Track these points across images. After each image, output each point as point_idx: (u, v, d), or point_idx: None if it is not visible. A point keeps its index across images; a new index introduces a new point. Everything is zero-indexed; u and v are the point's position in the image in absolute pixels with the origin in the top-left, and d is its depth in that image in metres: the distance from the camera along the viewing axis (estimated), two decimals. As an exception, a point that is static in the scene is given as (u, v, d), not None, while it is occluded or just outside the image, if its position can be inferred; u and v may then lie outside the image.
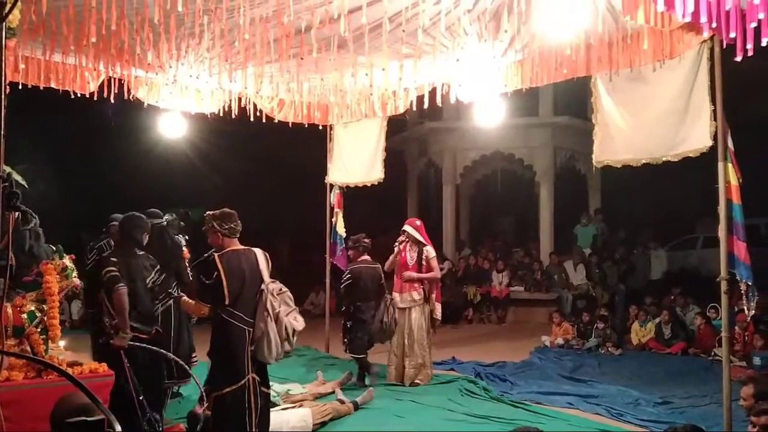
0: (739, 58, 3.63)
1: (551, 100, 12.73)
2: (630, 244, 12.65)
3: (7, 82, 4.96)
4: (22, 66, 5.94)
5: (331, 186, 9.02)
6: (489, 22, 5.43)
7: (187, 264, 5.60)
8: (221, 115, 7.54)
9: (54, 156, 13.39)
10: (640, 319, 9.56)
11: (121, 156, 13.85)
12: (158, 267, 4.75)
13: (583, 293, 11.24)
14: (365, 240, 7.24)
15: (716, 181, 4.77)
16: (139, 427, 4.31)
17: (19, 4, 2.59)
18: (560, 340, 9.57)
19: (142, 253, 4.71)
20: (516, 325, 11.45)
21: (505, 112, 7.18)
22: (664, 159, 5.42)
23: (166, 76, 6.65)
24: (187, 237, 6.01)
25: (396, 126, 11.03)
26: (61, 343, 4.61)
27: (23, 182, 4.43)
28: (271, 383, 6.22)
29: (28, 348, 4.00)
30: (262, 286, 4.29)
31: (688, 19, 3.63)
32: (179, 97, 7.19)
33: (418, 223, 7.35)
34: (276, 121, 7.95)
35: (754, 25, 3.47)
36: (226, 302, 4.19)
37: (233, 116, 7.41)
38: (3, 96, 2.56)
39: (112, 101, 6.48)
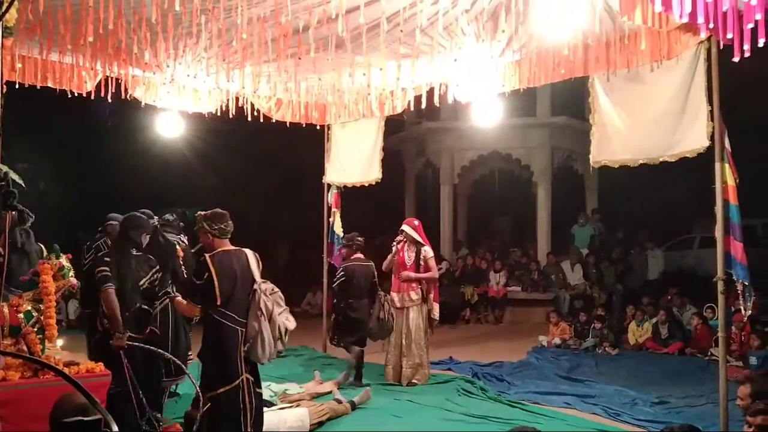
0: (737, 59, 3.64)
1: (549, 100, 12.74)
2: (627, 244, 12.67)
3: (4, 81, 4.97)
4: (19, 65, 5.93)
5: (329, 186, 9.02)
6: (487, 22, 5.43)
7: (181, 263, 5.59)
8: (219, 114, 7.53)
9: (51, 155, 13.38)
10: (637, 319, 9.58)
11: (118, 155, 13.82)
12: (157, 267, 4.74)
13: (580, 293, 11.25)
14: (359, 239, 7.28)
15: (713, 182, 4.78)
16: (138, 426, 4.30)
17: (16, 3, 2.58)
18: (557, 340, 9.58)
19: (139, 253, 4.70)
20: (513, 325, 11.46)
21: (503, 112, 7.18)
22: (661, 159, 5.43)
23: (164, 76, 6.64)
24: (186, 237, 5.99)
25: (394, 126, 11.03)
26: (58, 343, 4.60)
27: (20, 181, 4.42)
28: (268, 383, 6.27)
29: (25, 347, 4.00)
30: (255, 286, 4.28)
31: (685, 19, 3.63)
32: (176, 97, 7.18)
33: (417, 223, 7.35)
34: (273, 120, 7.94)
35: (751, 26, 3.48)
36: (218, 302, 4.19)
37: (231, 116, 7.39)
38: (0, 95, 2.56)
39: (110, 100, 6.47)
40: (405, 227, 7.23)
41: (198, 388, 4.22)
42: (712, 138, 4.88)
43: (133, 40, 5.21)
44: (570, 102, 12.30)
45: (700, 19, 3.55)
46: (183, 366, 4.86)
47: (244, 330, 4.23)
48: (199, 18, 4.86)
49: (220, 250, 4.32)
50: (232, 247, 4.39)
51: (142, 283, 4.60)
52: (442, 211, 13.63)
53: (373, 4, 4.66)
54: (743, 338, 7.99)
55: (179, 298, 4.66)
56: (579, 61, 5.78)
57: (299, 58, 5.54)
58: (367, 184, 8.71)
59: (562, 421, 5.72)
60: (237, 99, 7.37)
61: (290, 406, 5.56)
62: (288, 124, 8.13)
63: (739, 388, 3.07)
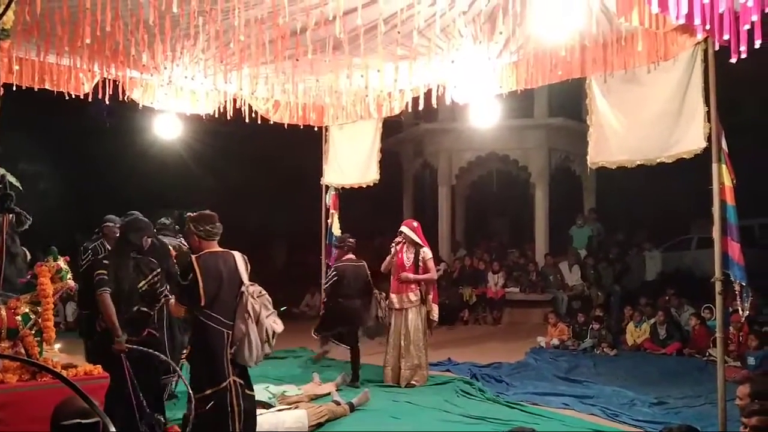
0: (734, 60, 3.65)
1: (546, 101, 12.75)
2: (625, 245, 12.69)
3: (2, 83, 4.97)
4: (16, 67, 5.92)
5: (327, 187, 9.03)
6: (484, 24, 5.44)
7: (174, 262, 5.59)
8: (216, 116, 7.53)
9: (49, 157, 13.36)
10: (635, 319, 9.59)
11: (116, 157, 13.81)
12: (158, 270, 4.73)
13: (578, 294, 11.26)
14: (350, 240, 7.37)
15: (710, 183, 4.79)
16: (137, 429, 4.30)
17: (13, 5, 2.58)
18: (556, 341, 9.58)
19: (140, 256, 4.69)
20: (511, 326, 11.45)
21: (500, 113, 7.20)
22: (658, 160, 5.45)
23: (161, 78, 6.64)
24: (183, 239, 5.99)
25: (391, 127, 11.04)
26: (56, 346, 4.59)
27: (17, 184, 4.42)
28: (267, 384, 6.27)
29: (23, 350, 3.99)
30: (242, 288, 4.27)
31: (682, 21, 3.65)
32: (174, 99, 7.18)
33: (415, 224, 7.35)
34: (271, 122, 7.94)
35: (747, 27, 3.49)
36: (202, 303, 4.18)
37: (228, 118, 7.40)
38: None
39: (107, 102, 6.47)
40: (404, 228, 7.23)
41: (190, 390, 4.20)
42: (709, 139, 4.89)
43: (130, 41, 5.21)
44: (567, 103, 12.31)
45: (697, 21, 3.57)
46: (178, 369, 4.86)
47: (230, 332, 4.22)
48: (197, 20, 4.85)
49: (206, 251, 4.32)
50: (220, 249, 4.38)
51: (141, 285, 4.59)
52: (440, 212, 13.64)
53: (370, 5, 4.66)
54: (741, 338, 8.00)
55: (172, 299, 4.67)
56: (576, 62, 5.79)
57: (297, 60, 5.54)
58: (365, 186, 8.71)
59: (561, 421, 5.72)
60: (235, 101, 7.37)
61: (289, 408, 5.56)
62: (286, 126, 8.14)
63: (738, 388, 3.07)
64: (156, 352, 4.55)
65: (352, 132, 8.63)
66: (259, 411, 5.36)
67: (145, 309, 4.61)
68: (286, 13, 4.39)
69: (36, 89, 6.22)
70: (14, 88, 5.91)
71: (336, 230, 8.84)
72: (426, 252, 7.18)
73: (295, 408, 5.57)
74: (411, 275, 7.08)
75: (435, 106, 6.75)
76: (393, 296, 7.16)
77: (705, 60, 4.92)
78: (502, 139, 12.47)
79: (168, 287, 5.31)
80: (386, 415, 5.87)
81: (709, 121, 4.91)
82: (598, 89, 5.90)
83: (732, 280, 4.71)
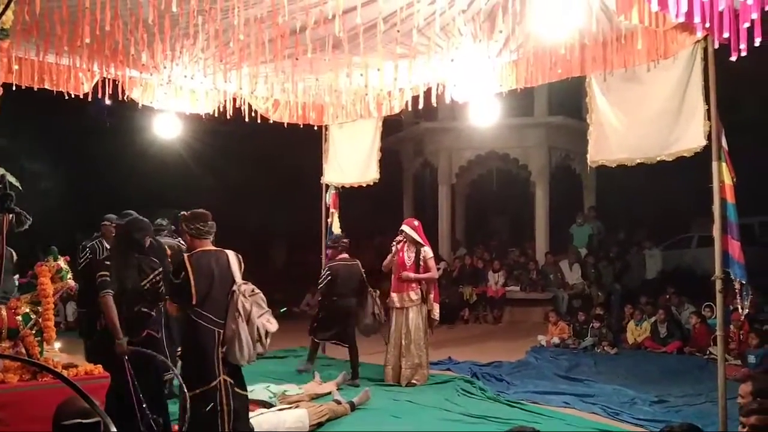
0: (734, 58, 3.65)
1: (546, 100, 12.75)
2: (625, 243, 12.68)
3: (1, 83, 4.96)
4: (15, 67, 5.92)
5: (327, 186, 9.02)
6: (484, 23, 5.44)
7: (169, 261, 5.59)
8: (216, 115, 7.53)
9: (49, 156, 13.36)
10: (636, 318, 9.59)
11: (116, 157, 13.81)
12: (159, 269, 4.73)
13: (578, 293, 11.26)
14: (344, 240, 7.48)
15: (710, 181, 4.79)
16: (138, 429, 4.29)
17: (12, 5, 2.58)
18: (556, 340, 9.58)
19: (141, 255, 4.68)
20: (512, 324, 11.46)
21: (500, 112, 7.19)
22: (658, 158, 5.44)
23: (161, 77, 6.63)
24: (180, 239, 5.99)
25: (391, 126, 11.03)
26: (56, 345, 4.60)
27: (17, 184, 4.42)
28: (268, 384, 6.27)
29: (23, 350, 4.00)
30: (234, 287, 4.26)
31: (681, 19, 3.64)
32: (174, 98, 7.18)
33: (416, 223, 7.35)
34: (271, 121, 7.94)
35: (747, 25, 3.49)
36: (193, 302, 4.18)
37: (228, 117, 7.39)
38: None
39: (107, 102, 6.47)
40: (405, 227, 7.23)
41: (185, 390, 4.18)
42: (709, 137, 4.89)
43: (130, 41, 5.20)
44: (567, 102, 12.31)
45: (697, 19, 3.56)
46: (175, 370, 4.86)
47: (222, 331, 4.21)
48: (196, 19, 4.85)
49: (199, 249, 4.33)
50: (213, 248, 4.39)
51: (144, 284, 4.59)
52: (440, 211, 13.63)
53: (370, 4, 4.66)
54: (742, 337, 8.01)
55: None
56: (576, 60, 5.78)
57: (296, 59, 5.53)
58: (365, 185, 8.70)
59: (561, 420, 5.72)
60: (234, 100, 7.37)
61: (290, 407, 5.56)
62: (285, 125, 8.13)
63: (740, 387, 3.06)
64: (156, 354, 4.55)
65: (352, 131, 8.62)
66: (259, 410, 5.38)
67: (146, 309, 4.60)
68: (286, 12, 4.39)
69: (36, 89, 6.22)
70: (14, 88, 5.92)
71: (336, 229, 8.84)
72: (427, 251, 7.18)
73: (296, 407, 5.57)
74: (412, 274, 7.08)
75: (435, 105, 6.75)
76: (394, 295, 7.16)
77: (705, 58, 4.91)
78: (502, 137, 12.46)
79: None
80: (387, 414, 5.87)
81: (709, 119, 4.91)
82: (598, 87, 5.89)
83: (732, 279, 4.71)
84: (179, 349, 5.66)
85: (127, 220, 4.87)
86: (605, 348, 9.19)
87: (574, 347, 9.35)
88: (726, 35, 3.61)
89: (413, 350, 7.01)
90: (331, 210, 8.91)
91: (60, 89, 6.31)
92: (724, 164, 4.75)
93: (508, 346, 9.52)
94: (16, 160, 11.89)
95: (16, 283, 4.76)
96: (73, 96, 6.45)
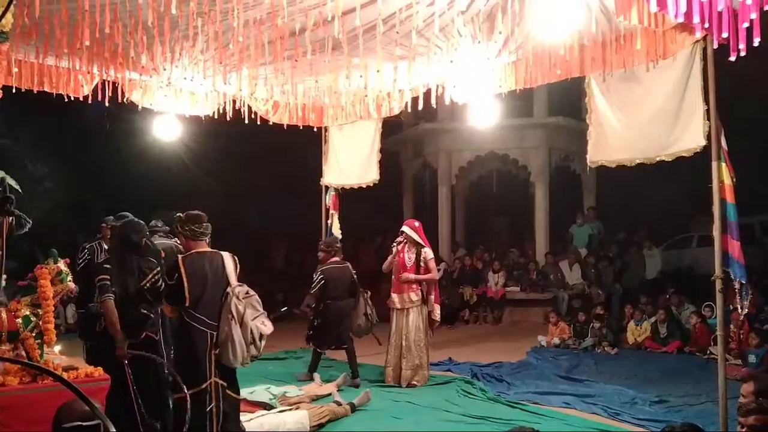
0: (733, 58, 3.65)
1: (545, 100, 12.74)
2: (625, 243, 12.68)
3: (1, 85, 4.97)
4: (15, 70, 5.93)
5: (327, 188, 9.03)
6: (483, 24, 5.44)
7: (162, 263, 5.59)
8: (216, 117, 7.53)
9: (50, 159, 13.36)
10: (636, 318, 9.59)
11: (116, 158, 13.81)
12: (158, 268, 4.72)
13: (578, 293, 11.25)
14: (337, 245, 7.56)
15: (710, 181, 4.79)
16: (138, 431, 4.29)
17: (11, 8, 2.58)
18: (556, 340, 9.58)
19: (138, 256, 4.68)
20: (512, 325, 11.46)
21: (500, 112, 7.19)
22: (658, 159, 5.44)
23: (160, 79, 6.64)
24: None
25: (391, 127, 11.03)
26: (57, 348, 4.60)
27: (17, 187, 4.42)
28: (268, 385, 6.27)
29: (24, 353, 4.00)
30: (228, 289, 4.25)
31: (680, 19, 3.65)
32: (173, 100, 7.18)
33: (417, 224, 7.35)
34: (271, 123, 7.94)
35: (746, 25, 3.49)
36: (186, 303, 4.18)
37: (228, 119, 7.40)
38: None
39: (107, 104, 6.47)
40: (405, 228, 7.23)
41: (186, 390, 4.17)
42: (708, 137, 4.89)
43: (129, 43, 5.21)
44: (566, 102, 12.30)
45: (696, 19, 3.57)
46: (173, 371, 4.85)
47: (215, 333, 4.20)
48: (196, 21, 4.85)
49: (193, 251, 4.32)
50: (208, 249, 4.38)
51: (144, 284, 4.59)
52: (440, 212, 13.63)
53: (369, 6, 4.66)
54: (742, 336, 8.00)
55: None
56: (575, 61, 5.79)
57: (296, 61, 5.54)
58: (365, 186, 8.71)
59: (562, 421, 5.72)
60: (234, 102, 7.37)
61: (290, 409, 5.56)
62: (285, 127, 8.13)
63: (742, 386, 3.05)
64: (156, 356, 4.54)
65: (352, 132, 8.63)
66: (260, 412, 5.39)
67: (146, 310, 4.60)
68: (285, 13, 4.39)
69: (36, 91, 6.22)
70: (14, 91, 5.92)
71: (336, 231, 8.84)
72: (427, 252, 7.17)
73: (296, 409, 5.57)
74: (412, 275, 7.08)
75: (434, 106, 6.75)
76: (394, 296, 7.16)
77: (704, 58, 4.91)
78: (501, 138, 12.46)
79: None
80: (387, 415, 5.87)
81: (708, 119, 4.91)
82: (598, 88, 5.90)
83: (732, 278, 4.71)
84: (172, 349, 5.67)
85: (121, 222, 4.86)
86: (605, 348, 9.19)
87: (575, 347, 9.34)
88: (725, 35, 3.61)
89: (414, 351, 7.01)
90: (331, 211, 8.91)
91: (60, 92, 6.32)
92: (723, 164, 4.75)
93: (508, 346, 9.52)
94: (17, 162, 11.91)
95: (3, 283, 4.74)
96: (72, 98, 6.45)
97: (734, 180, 4.76)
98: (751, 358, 7.54)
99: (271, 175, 15.05)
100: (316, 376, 7.04)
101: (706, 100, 4.92)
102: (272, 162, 14.66)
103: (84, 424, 1.84)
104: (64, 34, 4.86)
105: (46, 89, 6.26)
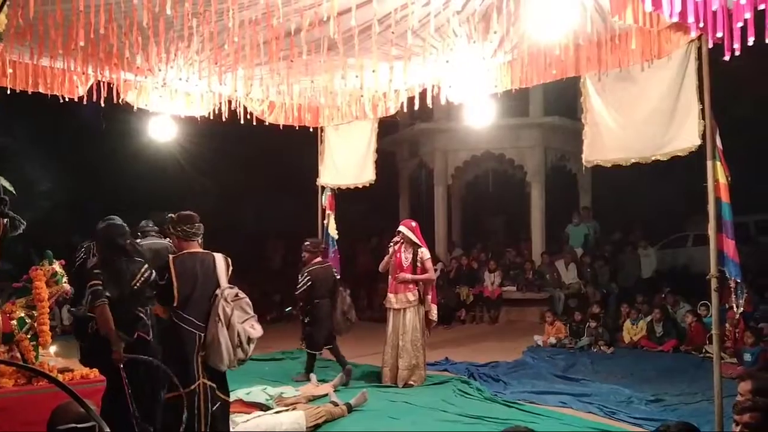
0: (727, 58, 3.66)
1: (541, 100, 12.76)
2: (621, 242, 12.71)
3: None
4: (9, 70, 5.91)
5: (323, 188, 9.02)
6: (478, 23, 5.45)
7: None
8: (211, 118, 7.52)
9: (46, 160, 13.31)
10: (632, 317, 9.61)
11: (111, 159, 13.77)
12: (146, 266, 4.68)
13: (574, 292, 11.27)
14: (323, 246, 7.80)
15: (705, 180, 4.80)
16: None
17: (5, 8, 2.57)
18: (553, 340, 9.59)
19: (126, 258, 4.65)
20: (508, 325, 11.47)
21: (495, 112, 7.20)
22: (653, 158, 5.46)
23: (156, 80, 6.63)
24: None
25: (387, 127, 11.02)
26: (52, 349, 4.58)
27: (11, 188, 4.39)
28: (264, 386, 6.26)
29: (18, 355, 3.98)
30: (217, 291, 4.23)
31: (675, 19, 3.66)
32: (169, 101, 7.17)
33: (414, 224, 7.34)
34: (266, 123, 7.93)
35: (740, 24, 3.51)
36: (175, 304, 4.17)
37: (223, 119, 7.39)
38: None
39: (102, 104, 6.45)
40: (402, 228, 7.22)
41: (183, 391, 4.16)
42: (703, 136, 4.90)
43: (124, 44, 5.20)
44: (562, 102, 12.33)
45: (691, 19, 3.58)
46: (169, 371, 4.84)
47: (203, 335, 4.18)
48: (191, 21, 4.85)
49: (185, 252, 4.31)
50: (200, 250, 4.37)
51: (133, 283, 4.55)
52: (436, 212, 13.63)
53: (364, 6, 4.66)
54: (737, 335, 8.02)
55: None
56: (570, 61, 5.80)
57: (291, 61, 5.54)
58: (361, 186, 8.71)
59: (558, 420, 5.73)
60: (229, 102, 7.36)
61: (286, 409, 5.56)
62: (281, 127, 8.13)
63: (739, 385, 3.06)
64: (153, 359, 4.52)
65: (348, 132, 8.63)
66: (256, 413, 5.38)
67: (139, 311, 4.57)
68: (280, 14, 4.38)
69: (30, 92, 6.20)
70: (8, 92, 5.90)
71: (332, 231, 8.84)
72: (424, 252, 7.17)
73: (293, 409, 5.56)
74: (408, 275, 7.07)
75: (430, 106, 6.75)
76: (391, 296, 7.16)
77: (699, 57, 4.93)
78: (497, 138, 12.48)
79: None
80: (384, 416, 5.87)
81: (703, 118, 4.92)
82: (593, 88, 5.91)
83: (727, 277, 4.72)
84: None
85: (104, 226, 4.77)
86: (602, 347, 9.20)
87: (571, 347, 9.36)
88: (720, 35, 3.62)
89: (410, 351, 7.00)
90: (327, 212, 8.90)
91: (54, 92, 6.30)
92: (718, 163, 4.77)
93: (504, 346, 9.53)
94: (12, 163, 11.86)
95: None
96: (67, 99, 6.43)
97: (729, 179, 4.77)
98: (747, 357, 7.56)
99: (267, 176, 15.04)
100: (313, 376, 7.03)
101: (701, 100, 4.93)
102: (268, 162, 14.65)
103: (79, 426, 1.83)
104: (58, 35, 4.85)
105: (41, 90, 6.23)
